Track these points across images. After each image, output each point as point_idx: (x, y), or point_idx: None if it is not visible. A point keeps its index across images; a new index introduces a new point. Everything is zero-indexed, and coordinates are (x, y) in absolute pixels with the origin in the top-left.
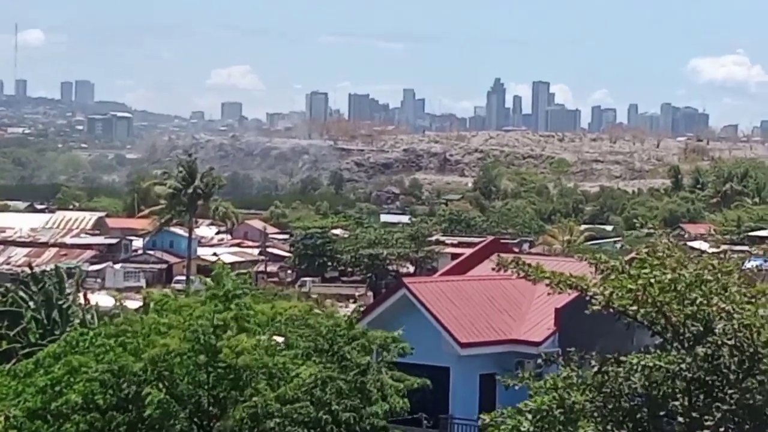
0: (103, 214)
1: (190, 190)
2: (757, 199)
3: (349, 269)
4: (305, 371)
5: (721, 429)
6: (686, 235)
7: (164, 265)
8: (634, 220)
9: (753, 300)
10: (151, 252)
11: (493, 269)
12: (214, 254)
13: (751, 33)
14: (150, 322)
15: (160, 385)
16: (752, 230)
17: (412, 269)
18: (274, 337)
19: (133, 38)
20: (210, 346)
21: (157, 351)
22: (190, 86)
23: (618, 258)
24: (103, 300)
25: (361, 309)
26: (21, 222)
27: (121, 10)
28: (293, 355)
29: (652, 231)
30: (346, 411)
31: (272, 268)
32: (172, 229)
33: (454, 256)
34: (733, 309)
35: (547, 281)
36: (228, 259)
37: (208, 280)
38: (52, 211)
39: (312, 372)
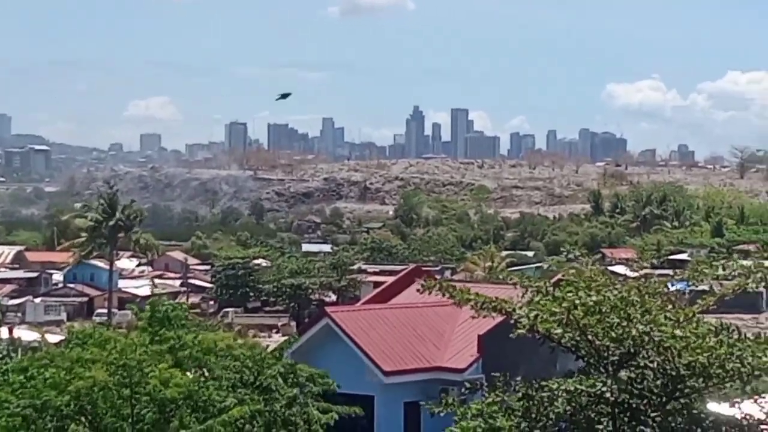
0: (22, 247)
1: (111, 223)
2: (676, 223)
3: (272, 299)
4: (234, 405)
5: None
6: (607, 260)
7: (85, 299)
8: (561, 248)
9: (676, 323)
10: (71, 285)
11: (418, 290)
12: (151, 281)
13: (665, 58)
14: (73, 356)
15: (83, 420)
16: (672, 254)
17: (334, 298)
18: (199, 370)
19: (47, 72)
20: (138, 377)
21: (82, 384)
22: (108, 118)
23: (543, 281)
24: (25, 334)
25: (292, 341)
26: None
27: (33, 44)
28: (218, 387)
29: (576, 255)
30: None
31: (194, 299)
32: (93, 261)
33: (377, 284)
34: (654, 329)
35: (471, 303)
36: (149, 291)
37: (139, 309)
38: None
39: (241, 407)
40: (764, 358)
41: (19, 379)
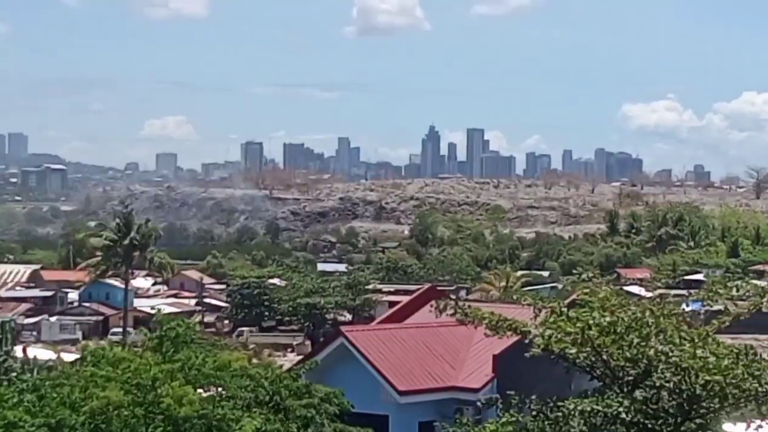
0: (38, 266)
1: (126, 242)
2: (692, 243)
3: (287, 318)
4: (249, 424)
5: None
6: (622, 280)
7: (100, 317)
8: (574, 270)
9: (692, 342)
10: (87, 304)
11: (430, 311)
12: (152, 308)
13: (681, 78)
14: (87, 375)
15: None
16: (687, 274)
17: (349, 317)
18: (213, 388)
19: (62, 91)
20: (152, 397)
21: (97, 404)
22: (124, 137)
23: (557, 301)
24: (40, 353)
25: (310, 367)
26: None
27: (50, 63)
28: (232, 407)
29: (591, 276)
30: None
31: (209, 318)
32: (108, 280)
33: (392, 304)
34: (671, 351)
35: (486, 323)
36: (165, 310)
37: (149, 330)
38: None
39: (256, 425)
40: None
41: (32, 399)
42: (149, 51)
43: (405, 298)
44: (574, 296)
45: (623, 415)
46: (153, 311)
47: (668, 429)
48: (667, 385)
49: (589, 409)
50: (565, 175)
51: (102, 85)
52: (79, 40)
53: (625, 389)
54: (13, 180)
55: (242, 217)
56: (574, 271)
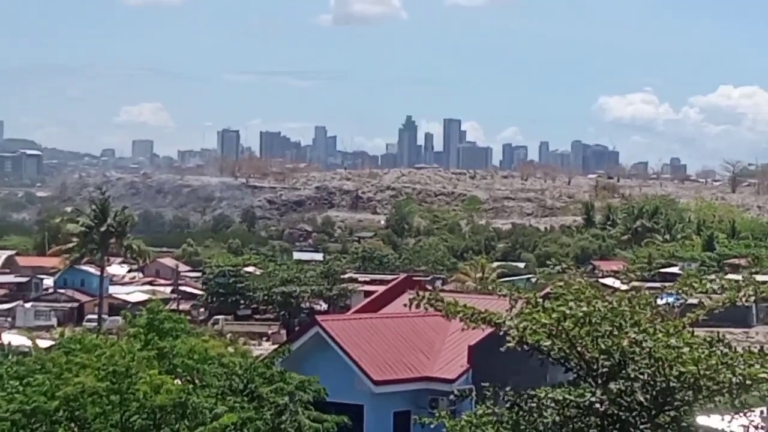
0: (12, 252)
1: (102, 228)
2: (667, 236)
3: (263, 307)
4: (228, 417)
5: None
6: (598, 272)
7: (76, 304)
8: (548, 261)
9: (666, 333)
10: (62, 290)
11: (405, 305)
12: (152, 292)
13: (658, 71)
14: (62, 362)
15: (73, 426)
16: (663, 267)
17: (325, 307)
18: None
19: (39, 76)
20: (127, 384)
21: (71, 389)
22: (100, 124)
23: (532, 292)
24: (15, 339)
25: (285, 352)
26: None
27: (25, 48)
28: (207, 395)
29: (565, 268)
30: None
31: (185, 306)
32: (84, 267)
33: (368, 293)
34: (645, 340)
35: (460, 316)
36: (140, 297)
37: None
38: None
39: (231, 414)
40: (754, 369)
41: (15, 386)
42: (126, 37)
43: (381, 288)
44: (549, 288)
45: (597, 406)
46: (129, 297)
47: (642, 421)
48: (641, 377)
49: (561, 398)
50: (541, 166)
51: (78, 71)
52: (56, 26)
53: (600, 381)
54: None
55: (218, 205)
56: (549, 263)
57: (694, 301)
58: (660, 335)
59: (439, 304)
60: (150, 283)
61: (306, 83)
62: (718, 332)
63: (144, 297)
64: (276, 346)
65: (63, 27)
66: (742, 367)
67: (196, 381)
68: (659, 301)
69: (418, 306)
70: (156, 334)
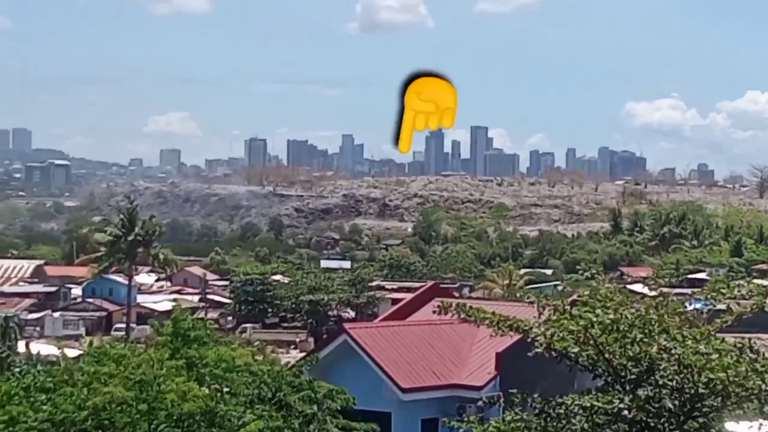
0: (41, 262)
1: (130, 238)
2: (695, 242)
3: (290, 315)
4: (255, 424)
5: None
6: (626, 278)
7: (104, 313)
8: (577, 267)
9: (694, 340)
10: (90, 300)
11: (434, 312)
12: (175, 300)
13: (685, 77)
14: (90, 371)
15: None
16: (690, 273)
17: (353, 315)
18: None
19: (66, 87)
20: (155, 393)
21: (101, 399)
22: (128, 133)
23: (560, 299)
24: (43, 349)
25: (313, 360)
26: None
27: (54, 59)
28: (235, 403)
29: (594, 274)
30: None
31: (213, 314)
32: (112, 276)
33: (395, 301)
34: (674, 347)
35: (488, 323)
36: (168, 306)
37: (160, 324)
38: None
39: (261, 425)
40: None
41: (42, 399)
42: (153, 47)
43: (408, 296)
44: (576, 295)
45: (625, 413)
46: (157, 306)
47: (671, 428)
48: (669, 383)
49: (589, 405)
50: (568, 173)
51: (106, 80)
52: (83, 36)
53: (628, 387)
54: (17, 175)
55: (246, 214)
56: (578, 268)
57: (723, 306)
58: (689, 342)
59: (465, 311)
60: (178, 292)
61: (333, 91)
62: (748, 338)
63: (171, 306)
64: (304, 354)
65: (90, 37)
66: None
67: (225, 389)
68: (687, 307)
69: (445, 313)
70: (183, 342)
